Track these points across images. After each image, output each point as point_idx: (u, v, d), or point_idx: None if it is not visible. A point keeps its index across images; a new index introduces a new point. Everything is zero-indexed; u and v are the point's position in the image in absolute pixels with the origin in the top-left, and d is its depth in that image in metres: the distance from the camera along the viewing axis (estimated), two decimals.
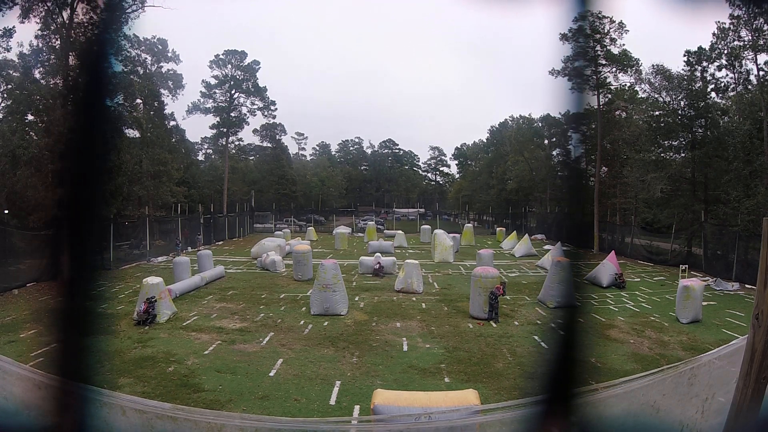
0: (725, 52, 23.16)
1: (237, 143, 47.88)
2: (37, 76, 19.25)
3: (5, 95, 18.70)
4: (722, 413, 2.53)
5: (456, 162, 79.89)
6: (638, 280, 19.52)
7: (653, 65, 26.18)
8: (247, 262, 23.42)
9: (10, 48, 18.98)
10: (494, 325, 12.21)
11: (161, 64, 34.90)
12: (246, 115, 45.48)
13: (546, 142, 47.69)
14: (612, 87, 30.75)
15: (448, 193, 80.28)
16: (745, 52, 22.48)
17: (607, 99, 30.89)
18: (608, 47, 29.20)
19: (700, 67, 24.50)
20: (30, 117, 18.80)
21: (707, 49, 23.84)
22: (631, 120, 30.06)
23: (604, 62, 29.57)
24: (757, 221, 18.18)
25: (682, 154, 26.44)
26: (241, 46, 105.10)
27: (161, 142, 27.60)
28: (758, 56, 22.06)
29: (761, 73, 22.07)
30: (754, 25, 21.77)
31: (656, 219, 31.33)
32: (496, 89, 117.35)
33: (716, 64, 23.94)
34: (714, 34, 23.24)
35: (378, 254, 21.70)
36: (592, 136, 28.31)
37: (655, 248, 25.97)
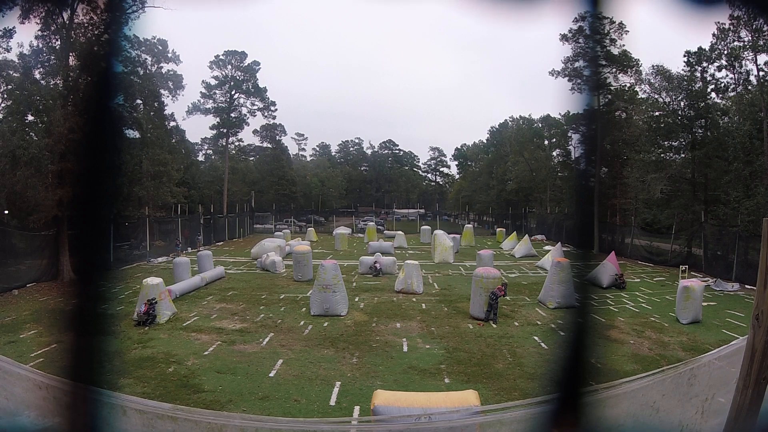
0: (725, 52, 23.15)
1: (237, 144, 48.02)
2: (38, 76, 19.18)
3: (5, 95, 18.66)
4: (722, 413, 2.53)
5: (456, 162, 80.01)
6: (638, 280, 19.52)
7: (653, 66, 26.19)
8: (247, 262, 23.41)
9: (11, 48, 18.95)
10: (494, 325, 12.21)
11: (161, 64, 34.85)
12: (246, 115, 45.64)
13: (546, 142, 47.71)
14: (612, 87, 30.72)
15: (448, 193, 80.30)
16: (745, 53, 22.48)
17: (607, 99, 30.85)
18: (608, 48, 29.18)
19: (700, 68, 24.49)
20: (30, 117, 18.76)
21: (707, 49, 23.85)
22: (631, 120, 30.05)
23: (603, 63, 29.53)
24: (757, 222, 18.18)
25: (682, 155, 26.42)
26: (241, 46, 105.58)
27: (161, 143, 27.55)
28: (758, 56, 22.06)
29: (761, 73, 22.05)
30: (754, 26, 21.74)
31: (656, 219, 31.31)
32: (496, 89, 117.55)
33: (716, 64, 23.94)
34: (714, 34, 23.25)
35: (378, 254, 21.70)
36: (593, 137, 28.28)
37: (655, 249, 25.97)
